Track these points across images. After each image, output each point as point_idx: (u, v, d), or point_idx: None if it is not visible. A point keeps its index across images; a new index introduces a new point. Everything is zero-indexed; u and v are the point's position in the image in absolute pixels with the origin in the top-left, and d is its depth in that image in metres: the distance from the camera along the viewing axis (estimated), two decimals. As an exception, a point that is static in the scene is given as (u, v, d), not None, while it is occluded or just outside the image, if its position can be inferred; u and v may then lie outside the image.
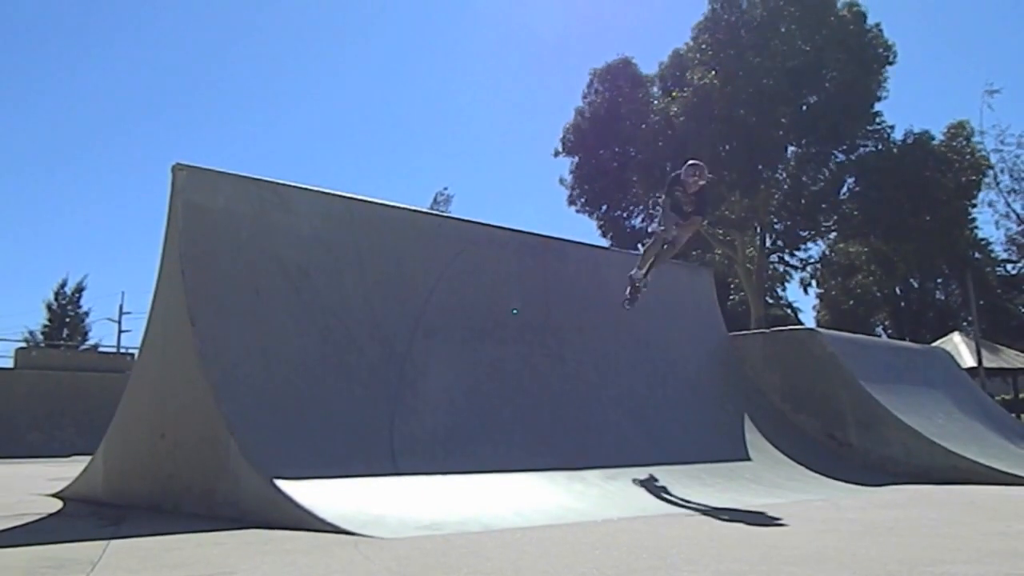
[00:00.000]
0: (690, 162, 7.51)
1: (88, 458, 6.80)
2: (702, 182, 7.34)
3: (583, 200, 31.69)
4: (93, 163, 76.58)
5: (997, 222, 33.97)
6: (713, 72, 26.52)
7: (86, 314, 45.78)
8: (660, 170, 28.60)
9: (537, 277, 8.36)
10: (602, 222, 32.07)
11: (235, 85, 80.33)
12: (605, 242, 30.76)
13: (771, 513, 5.71)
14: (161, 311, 6.17)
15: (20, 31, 69.37)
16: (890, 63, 27.43)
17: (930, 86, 64.21)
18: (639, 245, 31.82)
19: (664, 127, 27.38)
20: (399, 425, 6.18)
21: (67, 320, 44.75)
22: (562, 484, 6.26)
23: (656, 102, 28.54)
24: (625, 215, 32.24)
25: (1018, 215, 32.13)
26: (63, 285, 45.05)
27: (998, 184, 31.73)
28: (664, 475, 7.09)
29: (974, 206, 29.20)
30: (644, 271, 7.94)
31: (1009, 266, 36.28)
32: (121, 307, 51.34)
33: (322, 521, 4.56)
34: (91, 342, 43.91)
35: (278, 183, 6.65)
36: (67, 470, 8.04)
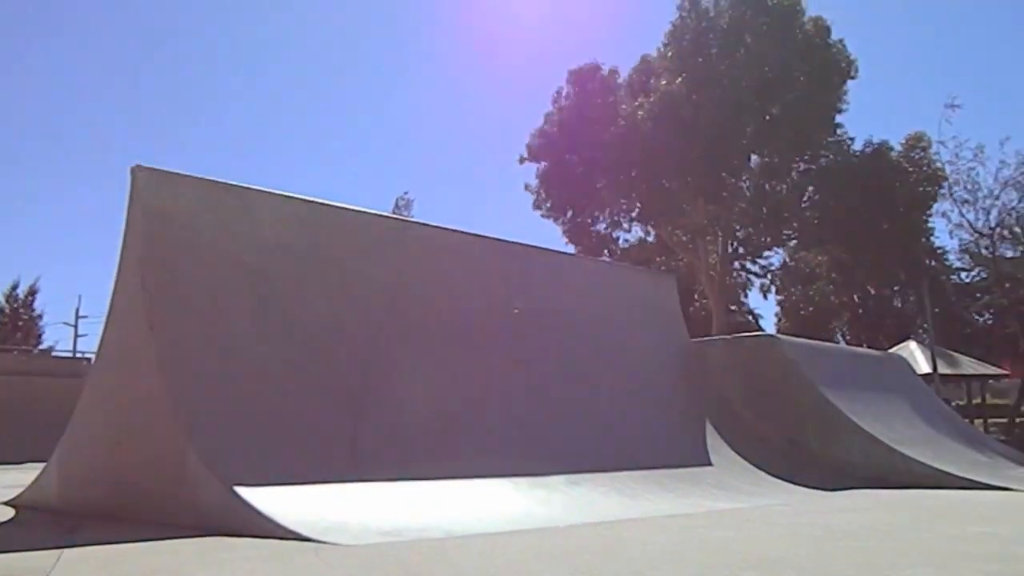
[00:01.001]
0: None
1: (42, 465, 6.65)
2: None
3: (548, 205, 31.74)
4: (50, 162, 74.94)
5: (951, 231, 34.62)
6: (679, 79, 26.79)
7: (39, 317, 44.83)
8: (627, 176, 28.85)
9: (502, 283, 8.37)
10: (567, 227, 32.13)
11: (195, 86, 79.15)
12: (571, 248, 30.84)
13: (732, 518, 5.77)
14: (119, 315, 6.06)
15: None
16: (852, 77, 27.98)
17: (890, 97, 65.42)
18: (604, 251, 32.09)
19: (631, 132, 27.57)
20: (362, 431, 6.14)
21: (20, 324, 43.80)
22: (526, 490, 6.27)
23: (624, 107, 28.72)
24: (591, 220, 32.37)
25: (971, 225, 32.85)
26: (15, 287, 44.12)
27: (952, 195, 32.41)
28: (627, 480, 7.13)
29: (930, 216, 29.85)
30: None
31: (963, 274, 37.12)
32: (78, 310, 50.09)
33: (283, 528, 4.51)
34: (46, 345, 43.04)
35: (240, 186, 6.59)
36: (20, 477, 7.85)
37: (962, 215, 32.43)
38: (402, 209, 41.27)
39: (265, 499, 4.80)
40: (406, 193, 47.35)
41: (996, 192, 31.31)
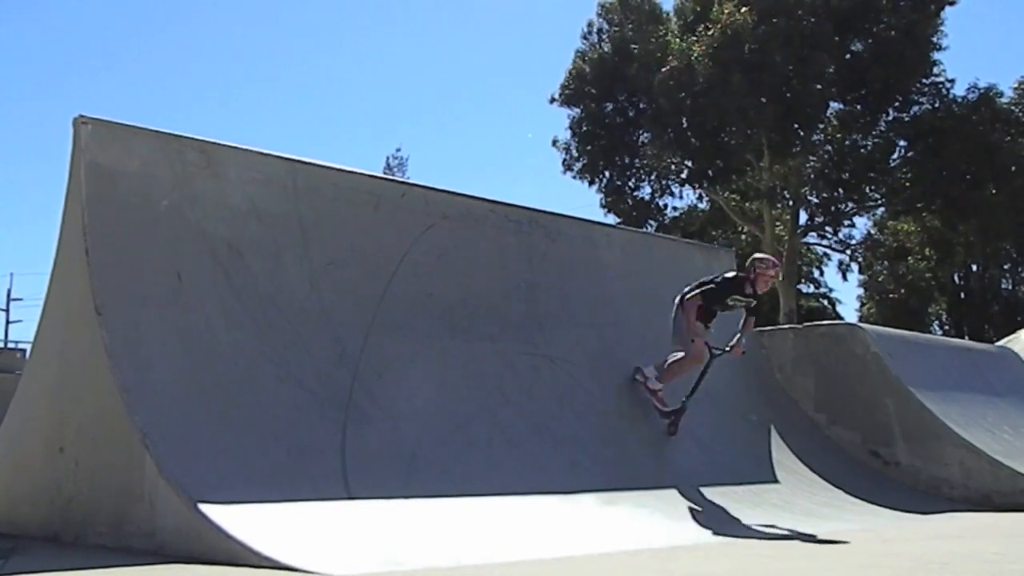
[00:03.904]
0: (759, 256, 8.52)
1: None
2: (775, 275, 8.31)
3: (581, 165, 31.52)
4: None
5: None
6: (745, 8, 26.44)
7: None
8: (675, 128, 28.60)
9: (522, 260, 8.35)
10: (604, 192, 31.95)
11: (153, 31, 79.36)
12: (607, 217, 30.74)
13: (802, 546, 5.76)
14: (60, 298, 6.11)
15: None
16: (950, 3, 27.59)
17: (999, 30, 64.37)
18: (648, 222, 31.94)
19: (683, 74, 27.22)
20: (353, 439, 6.17)
21: (-63, 306, 44.23)
22: (551, 510, 6.29)
23: (673, 43, 28.35)
24: (632, 184, 32.15)
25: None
26: (-71, 264, 44.60)
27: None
28: (675, 500, 7.14)
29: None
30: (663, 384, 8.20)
31: (1092, 250, 36.60)
32: (9, 292, 50.83)
33: (257, 555, 4.55)
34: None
35: (204, 141, 6.60)
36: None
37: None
38: (394, 169, 41.25)
39: (236, 520, 4.84)
40: (398, 150, 47.23)
41: None
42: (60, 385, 6.04)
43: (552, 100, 31.35)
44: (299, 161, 7.17)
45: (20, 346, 24.60)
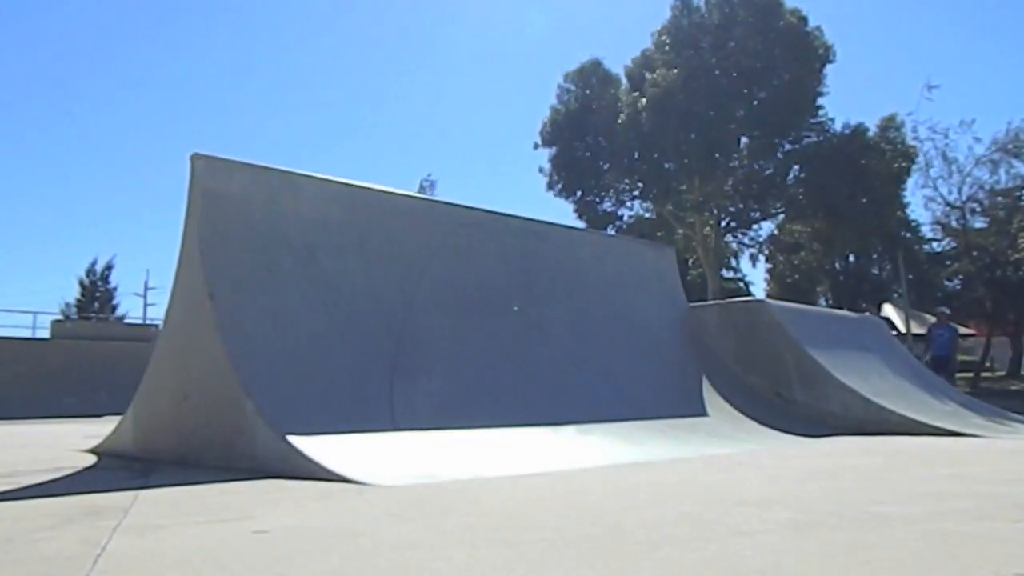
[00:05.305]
0: None
1: (119, 417, 6.75)
2: None
3: (560, 187, 31.57)
4: (122, 153, 75.98)
5: (926, 204, 34.10)
6: (674, 71, 26.44)
7: (114, 289, 45.39)
8: (629, 159, 28.60)
9: (519, 255, 8.36)
10: (577, 206, 32.00)
11: (241, 82, 79.52)
12: (580, 223, 30.72)
13: (725, 462, 5.78)
14: (182, 286, 6.11)
15: (55, 34, 67.88)
16: (830, 61, 27.53)
17: (867, 78, 64.09)
18: (610, 226, 31.86)
19: (632, 120, 27.27)
20: (397, 388, 6.19)
21: (97, 295, 44.43)
22: (543, 439, 6.31)
23: (624, 98, 28.41)
24: (598, 199, 32.21)
25: (944, 199, 32.33)
26: (94, 264, 44.92)
27: (928, 170, 31.80)
28: (633, 430, 7.15)
29: (903, 191, 29.44)
30: None
31: (935, 244, 36.63)
32: (146, 283, 50.53)
33: (329, 472, 4.57)
34: (119, 314, 43.57)
35: (287, 171, 6.59)
36: (100, 428, 7.97)
37: (935, 188, 31.95)
38: (427, 189, 41.00)
39: (314, 447, 4.85)
40: (429, 175, 46.84)
41: (968, 169, 30.83)
42: (184, 351, 6.04)
43: (536, 146, 31.44)
44: (356, 185, 7.17)
45: (154, 323, 24.51)
